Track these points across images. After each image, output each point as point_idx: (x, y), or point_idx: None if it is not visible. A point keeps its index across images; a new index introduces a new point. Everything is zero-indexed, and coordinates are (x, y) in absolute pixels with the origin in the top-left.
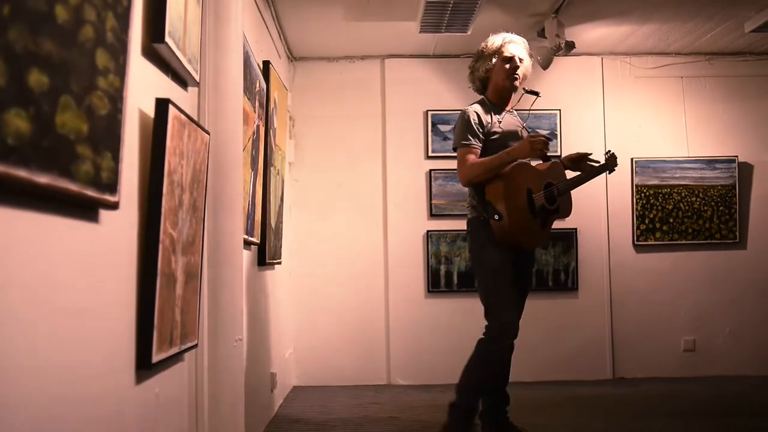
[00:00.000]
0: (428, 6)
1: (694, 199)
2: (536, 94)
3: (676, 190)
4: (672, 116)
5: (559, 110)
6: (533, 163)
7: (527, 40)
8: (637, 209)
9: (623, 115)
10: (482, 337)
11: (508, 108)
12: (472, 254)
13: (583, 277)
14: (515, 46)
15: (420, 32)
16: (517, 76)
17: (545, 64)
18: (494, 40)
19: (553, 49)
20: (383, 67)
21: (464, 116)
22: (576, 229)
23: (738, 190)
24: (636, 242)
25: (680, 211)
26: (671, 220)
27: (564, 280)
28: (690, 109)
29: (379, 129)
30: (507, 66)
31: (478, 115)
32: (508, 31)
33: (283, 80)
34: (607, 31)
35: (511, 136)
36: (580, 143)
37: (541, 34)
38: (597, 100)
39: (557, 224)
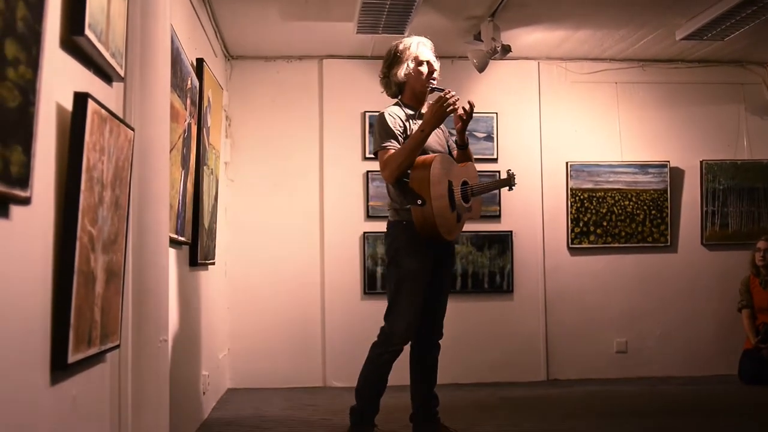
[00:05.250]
0: (364, 6)
1: (627, 203)
2: (442, 90)
3: (609, 194)
4: (606, 121)
5: (496, 113)
6: (455, 162)
7: (464, 43)
8: (571, 212)
9: (559, 119)
10: (376, 339)
11: (423, 110)
12: (387, 256)
13: (519, 280)
14: (427, 49)
15: (357, 33)
16: (434, 79)
17: (481, 67)
18: (407, 44)
19: (489, 53)
20: (321, 67)
21: (381, 119)
22: (512, 231)
23: (669, 194)
24: (570, 245)
25: (614, 215)
26: (605, 224)
27: (499, 283)
28: (624, 114)
29: (317, 129)
30: (424, 70)
31: (396, 117)
32: (446, 34)
33: (219, 79)
34: (543, 36)
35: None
36: (516, 146)
37: (478, 37)
38: (533, 103)
39: (493, 227)
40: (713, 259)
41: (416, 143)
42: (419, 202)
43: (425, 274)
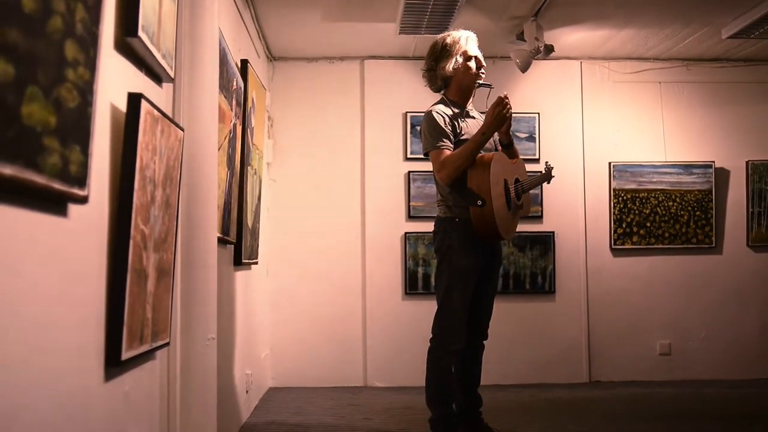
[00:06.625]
0: (407, 7)
1: (671, 203)
2: (489, 86)
3: (653, 195)
4: (650, 121)
5: (538, 113)
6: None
7: (507, 43)
8: (614, 213)
9: (601, 119)
10: (430, 345)
11: (468, 105)
12: (438, 254)
13: (561, 281)
14: (474, 44)
15: (399, 33)
16: (483, 74)
17: (524, 67)
18: (456, 38)
19: (532, 52)
20: (363, 68)
21: (430, 118)
22: (554, 232)
23: (714, 195)
24: (613, 246)
25: (657, 216)
26: (648, 225)
27: (541, 284)
28: (668, 114)
29: (358, 130)
30: (473, 65)
31: (445, 116)
32: (488, 34)
33: (262, 80)
34: (586, 35)
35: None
36: (559, 146)
37: (520, 36)
38: (575, 103)
39: (535, 227)
40: (759, 260)
41: (477, 146)
42: (479, 203)
43: (476, 272)
